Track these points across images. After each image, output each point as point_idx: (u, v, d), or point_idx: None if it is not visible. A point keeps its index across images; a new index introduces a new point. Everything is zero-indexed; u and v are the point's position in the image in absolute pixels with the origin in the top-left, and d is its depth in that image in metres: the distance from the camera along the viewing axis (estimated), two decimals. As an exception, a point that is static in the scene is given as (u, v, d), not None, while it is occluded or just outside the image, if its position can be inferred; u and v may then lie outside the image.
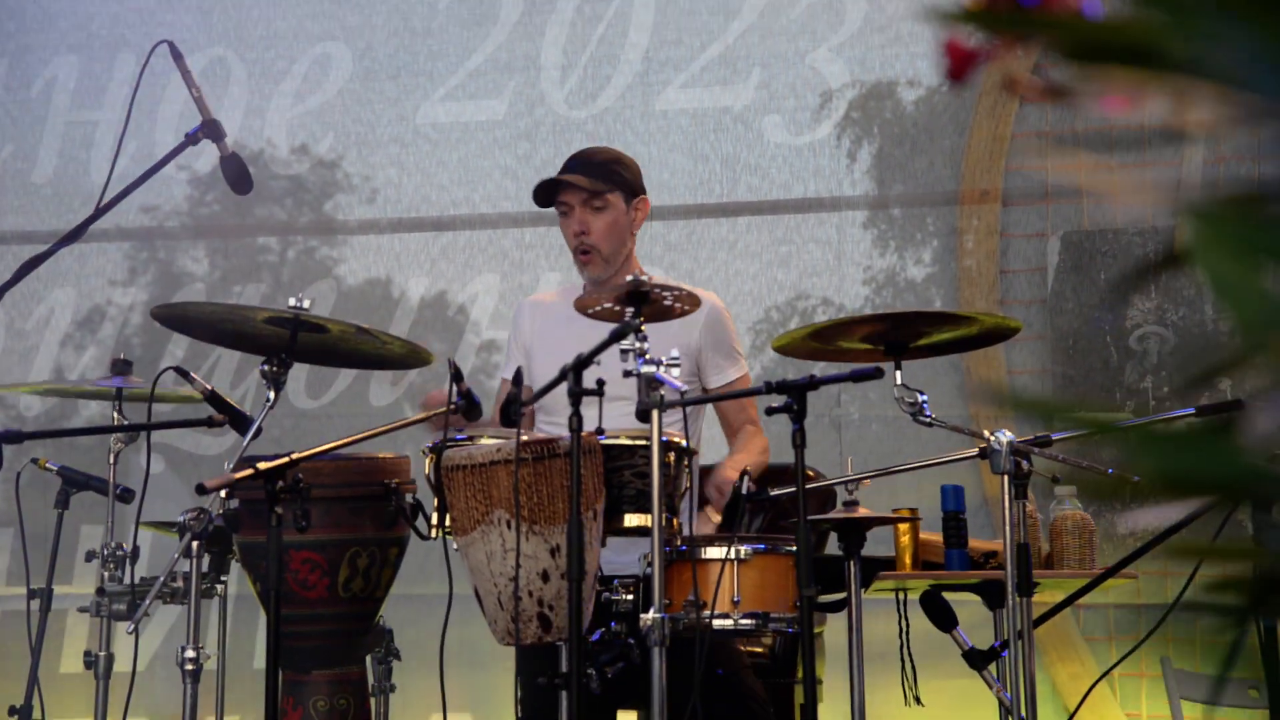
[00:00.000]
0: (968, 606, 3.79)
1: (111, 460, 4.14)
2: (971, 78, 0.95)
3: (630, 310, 3.17)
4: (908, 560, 3.76)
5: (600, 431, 3.14)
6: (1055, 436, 3.49)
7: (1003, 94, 5.64)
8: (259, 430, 3.38)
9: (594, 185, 3.96)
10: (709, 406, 4.18)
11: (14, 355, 6.41)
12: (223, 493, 3.49)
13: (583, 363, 3.04)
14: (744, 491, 3.56)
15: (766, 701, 3.68)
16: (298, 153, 6.48)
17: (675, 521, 3.31)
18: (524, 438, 3.17)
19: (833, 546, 3.69)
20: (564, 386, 3.04)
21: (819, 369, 4.17)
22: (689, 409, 3.59)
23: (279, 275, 6.45)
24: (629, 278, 3.21)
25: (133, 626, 3.39)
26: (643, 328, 3.12)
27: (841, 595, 3.57)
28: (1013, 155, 5.75)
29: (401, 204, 6.34)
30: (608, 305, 3.27)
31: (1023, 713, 3.40)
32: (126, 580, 3.97)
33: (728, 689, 3.53)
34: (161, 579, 3.46)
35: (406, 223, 6.32)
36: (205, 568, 3.69)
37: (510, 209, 6.15)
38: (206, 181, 6.49)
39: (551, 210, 4.11)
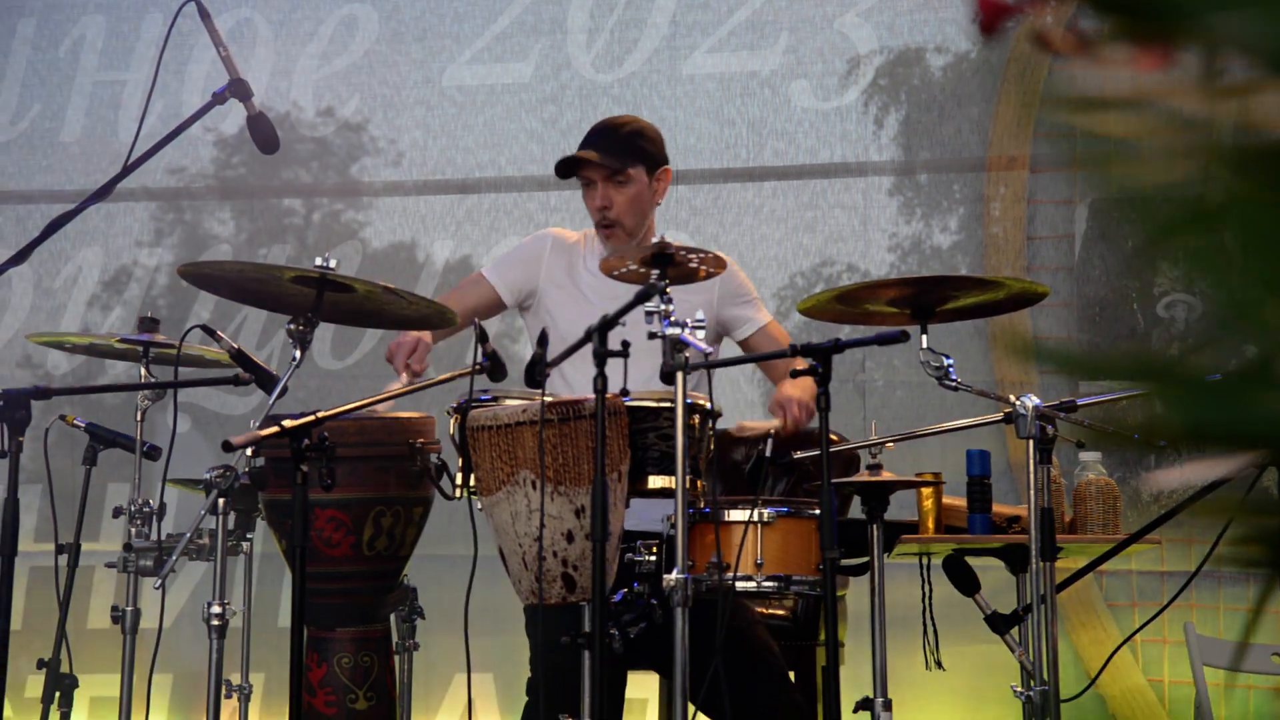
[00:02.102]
0: (991, 571, 3.80)
1: (139, 418, 4.16)
2: (1003, 31, 0.95)
3: (655, 273, 3.16)
4: (930, 524, 3.76)
5: (625, 393, 3.14)
6: (1081, 401, 3.48)
7: (1034, 50, 5.61)
8: (285, 389, 3.39)
9: (615, 162, 3.94)
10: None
11: (42, 313, 6.44)
12: (249, 451, 3.51)
13: (608, 324, 3.04)
14: (767, 455, 3.57)
15: (780, 657, 3.68)
16: (324, 115, 6.48)
17: (699, 483, 3.32)
18: (549, 398, 3.17)
19: (856, 510, 3.70)
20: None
21: (845, 333, 4.17)
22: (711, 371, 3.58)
23: (304, 237, 6.46)
24: (654, 239, 3.20)
25: (159, 582, 3.42)
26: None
27: (864, 559, 3.57)
28: (1041, 121, 5.72)
29: (427, 167, 6.35)
30: (632, 267, 3.27)
31: (1044, 677, 3.41)
32: (153, 537, 3.99)
33: (742, 643, 3.54)
34: (188, 535, 3.48)
35: (432, 185, 6.32)
36: (231, 525, 3.72)
37: (535, 172, 6.14)
38: (233, 144, 6.50)
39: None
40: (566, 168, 3.99)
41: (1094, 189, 5.51)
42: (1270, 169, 0.75)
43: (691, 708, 3.13)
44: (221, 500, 3.44)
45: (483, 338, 3.32)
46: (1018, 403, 3.43)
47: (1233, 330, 0.78)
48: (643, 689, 4.87)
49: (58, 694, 4.25)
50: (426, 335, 3.81)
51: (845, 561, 3.68)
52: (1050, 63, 5.69)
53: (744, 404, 5.80)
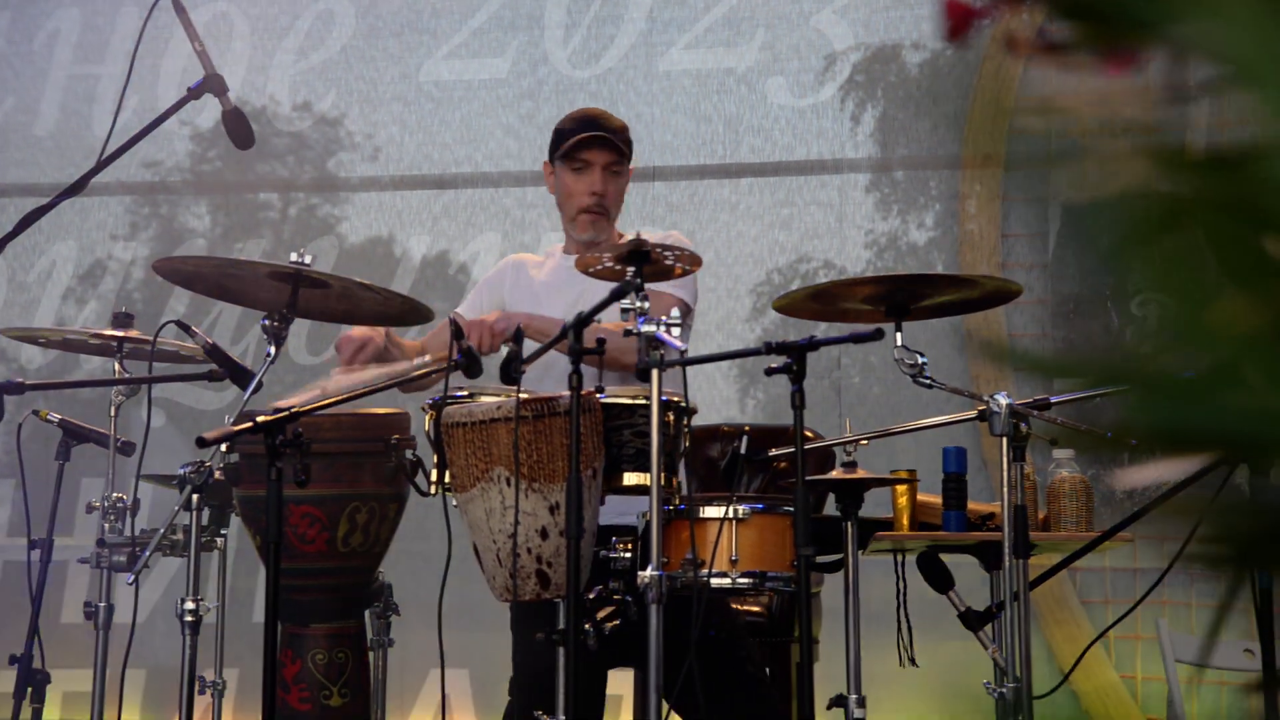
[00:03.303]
0: (965, 568, 3.81)
1: (112, 413, 4.15)
2: (970, 37, 0.95)
3: (631, 270, 3.17)
4: (905, 521, 3.77)
5: (600, 390, 3.15)
6: (1054, 400, 3.50)
7: (1004, 55, 5.63)
8: (259, 385, 3.39)
9: (616, 162, 4.00)
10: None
11: (15, 308, 6.42)
12: (223, 446, 3.50)
13: (583, 321, 3.05)
14: (742, 452, 3.57)
15: (761, 663, 3.70)
16: (300, 110, 6.47)
17: (674, 480, 3.32)
18: (524, 395, 3.17)
19: (831, 507, 3.71)
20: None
21: (822, 330, 4.17)
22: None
23: (280, 232, 6.45)
24: (628, 237, 3.21)
25: (132, 578, 3.41)
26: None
27: (839, 556, 3.58)
28: (1015, 120, 5.74)
29: (403, 162, 6.34)
30: (608, 264, 3.27)
31: (1018, 674, 3.42)
32: (127, 532, 3.98)
33: (723, 649, 3.55)
34: (162, 531, 3.48)
35: (408, 180, 6.31)
36: (205, 521, 3.71)
37: (512, 168, 6.14)
38: (209, 137, 6.48)
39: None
40: (573, 140, 3.99)
41: (1066, 191, 5.54)
42: (1229, 175, 0.75)
43: (666, 705, 3.14)
44: (195, 496, 3.43)
45: (458, 334, 3.32)
46: (991, 400, 3.44)
47: (1187, 337, 0.79)
48: (617, 686, 4.87)
49: (30, 689, 4.24)
50: (379, 335, 3.81)
51: (820, 558, 3.69)
52: (1023, 65, 5.71)
53: (719, 401, 5.81)
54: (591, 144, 3.99)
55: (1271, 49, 0.73)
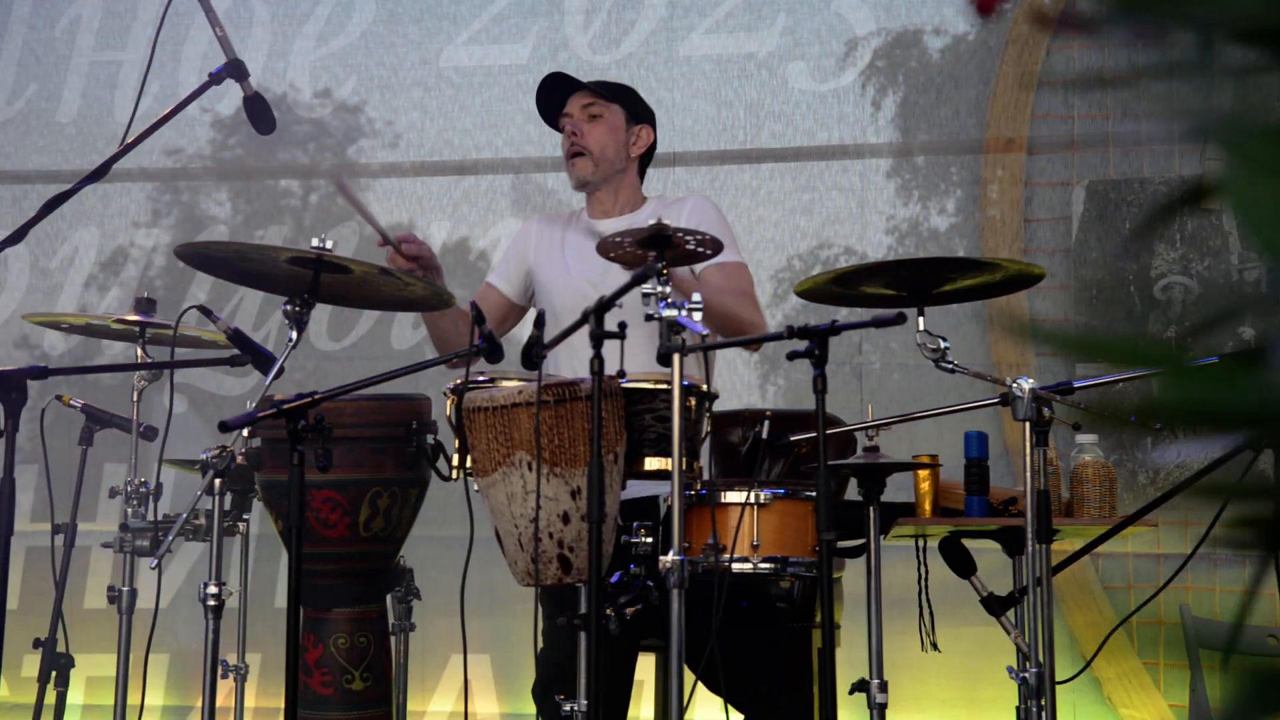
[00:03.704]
0: (987, 554, 3.80)
1: (135, 398, 4.16)
2: (999, 12, 0.94)
3: (652, 254, 3.16)
4: (927, 506, 3.76)
5: (622, 374, 3.14)
6: (1077, 384, 3.48)
7: (1033, 29, 5.60)
8: (281, 370, 3.39)
9: (594, 101, 4.07)
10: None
11: (38, 294, 6.44)
12: (245, 431, 3.51)
13: (604, 305, 3.04)
14: (764, 437, 3.57)
15: (783, 642, 3.69)
16: (321, 96, 6.47)
17: (696, 465, 3.32)
18: (545, 380, 3.17)
19: (853, 492, 3.70)
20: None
21: (844, 315, 4.16)
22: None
23: (301, 219, 6.45)
24: (650, 221, 3.19)
25: (155, 562, 3.42)
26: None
27: (861, 541, 3.57)
28: (1038, 104, 5.71)
29: (424, 148, 6.34)
30: (629, 248, 3.27)
31: (1040, 659, 3.41)
32: (149, 517, 4.00)
33: (757, 623, 3.54)
34: (184, 516, 3.49)
35: (429, 167, 6.31)
36: (228, 506, 3.72)
37: (532, 154, 6.14)
38: (230, 124, 6.49)
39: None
40: (550, 103, 4.09)
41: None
42: (1267, 148, 0.74)
43: (689, 683, 3.13)
44: (218, 481, 3.44)
45: (479, 319, 3.31)
46: (1014, 385, 3.43)
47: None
48: (638, 670, 4.88)
49: (54, 673, 4.26)
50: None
51: (842, 543, 3.68)
52: (1048, 44, 5.68)
53: (740, 386, 5.81)
54: (555, 97, 4.09)
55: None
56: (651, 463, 3.27)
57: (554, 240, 4.10)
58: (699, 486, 3.35)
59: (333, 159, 6.47)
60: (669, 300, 3.06)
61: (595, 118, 4.06)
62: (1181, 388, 0.79)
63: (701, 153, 6.00)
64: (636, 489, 3.43)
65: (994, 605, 3.61)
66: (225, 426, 3.07)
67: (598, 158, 4.04)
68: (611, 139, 4.07)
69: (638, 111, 4.15)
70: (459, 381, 3.35)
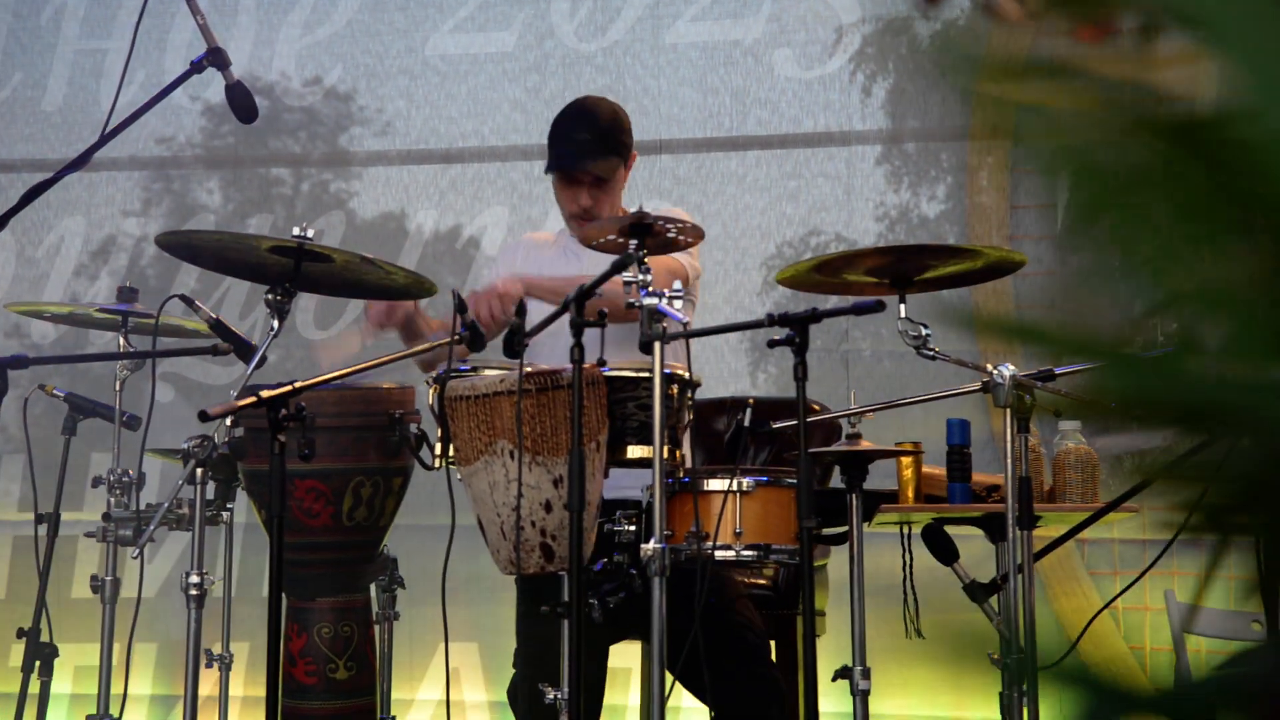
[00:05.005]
0: (971, 540, 3.80)
1: (118, 387, 4.16)
2: (944, 4, 0.94)
3: (634, 242, 3.16)
4: (910, 494, 3.76)
5: (603, 363, 3.14)
6: (1059, 371, 3.48)
7: (982, 19, 5.60)
8: (263, 359, 3.39)
9: (606, 170, 3.93)
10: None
11: (25, 282, 6.43)
12: (227, 421, 3.51)
13: (584, 294, 3.04)
14: (746, 424, 3.57)
15: (763, 631, 3.70)
16: (310, 84, 6.46)
17: (678, 453, 3.32)
18: (527, 369, 3.17)
19: (836, 480, 3.70)
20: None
21: (832, 303, 4.16)
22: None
23: (292, 207, 6.45)
24: (633, 210, 3.20)
25: (137, 552, 3.42)
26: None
27: (844, 528, 3.57)
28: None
29: (410, 136, 6.33)
30: (611, 237, 3.27)
31: (1022, 645, 3.42)
32: (133, 506, 3.99)
33: (722, 618, 3.55)
34: (165, 505, 3.49)
35: (416, 155, 6.31)
36: (211, 495, 3.72)
37: (519, 141, 6.13)
38: (220, 113, 6.48)
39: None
40: (564, 159, 3.95)
41: (1029, 159, 5.52)
42: (1199, 137, 0.75)
43: (670, 677, 3.14)
44: (200, 470, 3.44)
45: (461, 308, 3.31)
46: (995, 372, 3.43)
47: (1158, 298, 0.78)
48: (627, 659, 4.88)
49: (38, 663, 4.26)
50: (410, 304, 3.82)
51: (825, 531, 3.68)
52: (1031, 36, 5.67)
53: (729, 374, 5.81)
54: (580, 168, 3.94)
55: (1240, 9, 0.72)
56: (634, 451, 3.27)
57: (541, 260, 4.08)
58: (681, 474, 3.35)
59: (324, 147, 6.46)
60: (650, 289, 3.06)
61: (604, 183, 3.97)
62: (1122, 379, 0.79)
63: (687, 140, 5.99)
64: (619, 490, 3.43)
65: (977, 592, 3.61)
66: (205, 416, 3.07)
67: (610, 212, 3.97)
68: (616, 196, 4.02)
69: (630, 147, 4.06)
70: (441, 370, 3.35)
